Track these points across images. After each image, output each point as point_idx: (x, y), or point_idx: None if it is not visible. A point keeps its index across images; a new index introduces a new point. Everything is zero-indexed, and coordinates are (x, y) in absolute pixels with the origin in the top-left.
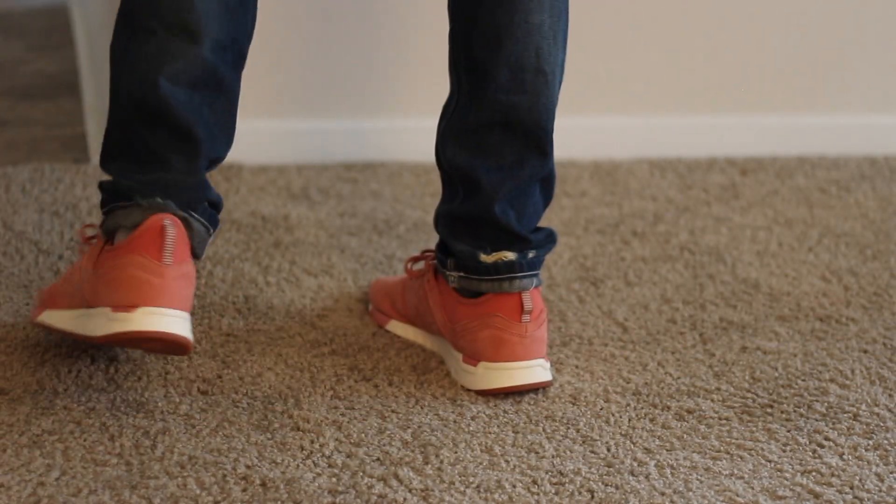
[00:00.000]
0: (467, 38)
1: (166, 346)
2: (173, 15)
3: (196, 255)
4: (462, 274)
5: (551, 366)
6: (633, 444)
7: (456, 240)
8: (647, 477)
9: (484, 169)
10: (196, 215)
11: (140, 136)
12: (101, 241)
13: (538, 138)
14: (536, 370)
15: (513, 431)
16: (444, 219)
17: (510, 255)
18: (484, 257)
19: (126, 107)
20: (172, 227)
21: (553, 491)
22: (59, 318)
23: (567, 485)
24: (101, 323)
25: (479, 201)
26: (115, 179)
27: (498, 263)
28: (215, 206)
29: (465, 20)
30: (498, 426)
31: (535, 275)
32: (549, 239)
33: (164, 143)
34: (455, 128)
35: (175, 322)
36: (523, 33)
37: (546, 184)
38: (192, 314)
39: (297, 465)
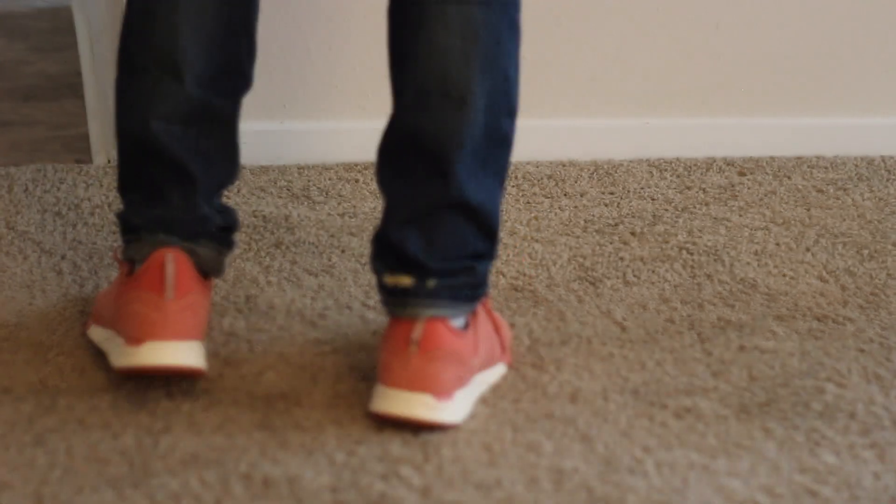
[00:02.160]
0: (389, 57)
1: (177, 374)
2: (161, 53)
3: (212, 275)
4: (381, 292)
5: (460, 402)
6: (632, 442)
7: (374, 259)
8: (645, 475)
9: (393, 190)
10: (202, 243)
11: (143, 172)
12: (123, 269)
13: (439, 163)
14: (417, 406)
15: (512, 430)
16: (374, 237)
17: (406, 281)
18: (386, 278)
19: (128, 144)
20: (173, 262)
21: (552, 489)
22: (99, 336)
23: (566, 482)
24: (117, 354)
25: (383, 221)
26: (126, 212)
27: (396, 288)
28: (228, 229)
29: (388, 39)
30: (497, 424)
31: (435, 306)
32: (466, 273)
33: (163, 179)
34: (381, 147)
35: (181, 353)
36: (426, 55)
37: (471, 216)
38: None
39: (299, 464)
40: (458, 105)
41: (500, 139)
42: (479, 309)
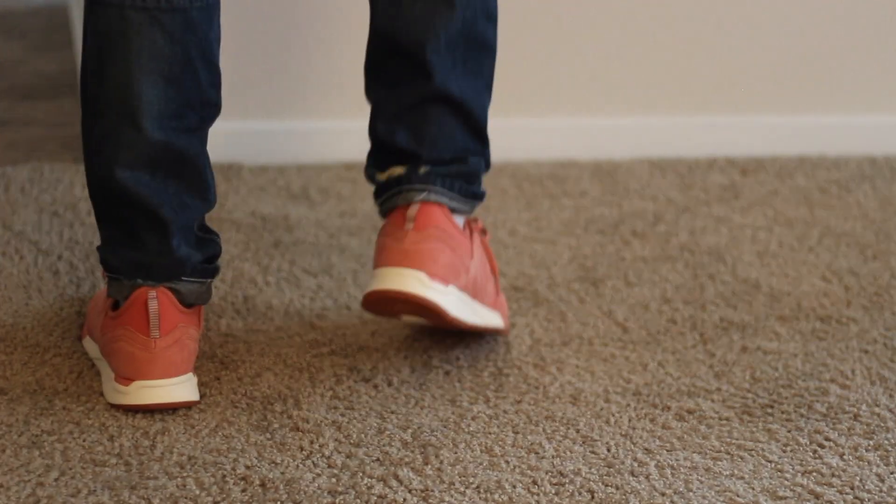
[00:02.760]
0: None
1: (169, 408)
2: (117, 97)
3: (197, 304)
4: (376, 198)
5: (454, 296)
6: (634, 444)
7: (367, 167)
8: (647, 477)
9: (379, 95)
10: (183, 280)
11: (115, 213)
12: (109, 300)
13: (418, 60)
14: (410, 280)
15: (513, 432)
16: (368, 154)
17: (398, 170)
18: (379, 175)
19: (97, 187)
20: (155, 300)
21: (553, 491)
22: (92, 352)
23: (567, 485)
24: (109, 390)
25: (371, 124)
26: (104, 249)
27: (389, 179)
28: (209, 259)
29: None
30: (498, 426)
31: (429, 190)
32: (458, 162)
33: (136, 223)
34: (366, 63)
35: (169, 391)
36: None
37: (456, 110)
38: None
39: (297, 466)
40: (427, 5)
41: (480, 41)
42: (476, 234)
